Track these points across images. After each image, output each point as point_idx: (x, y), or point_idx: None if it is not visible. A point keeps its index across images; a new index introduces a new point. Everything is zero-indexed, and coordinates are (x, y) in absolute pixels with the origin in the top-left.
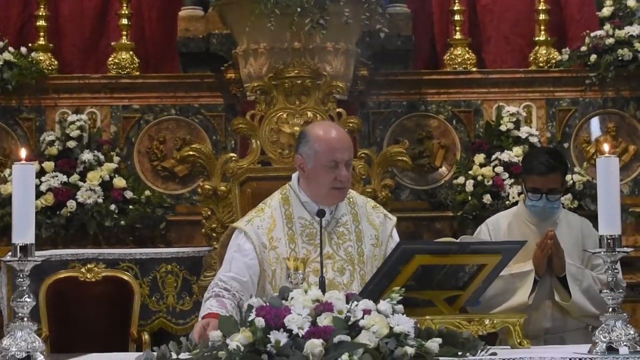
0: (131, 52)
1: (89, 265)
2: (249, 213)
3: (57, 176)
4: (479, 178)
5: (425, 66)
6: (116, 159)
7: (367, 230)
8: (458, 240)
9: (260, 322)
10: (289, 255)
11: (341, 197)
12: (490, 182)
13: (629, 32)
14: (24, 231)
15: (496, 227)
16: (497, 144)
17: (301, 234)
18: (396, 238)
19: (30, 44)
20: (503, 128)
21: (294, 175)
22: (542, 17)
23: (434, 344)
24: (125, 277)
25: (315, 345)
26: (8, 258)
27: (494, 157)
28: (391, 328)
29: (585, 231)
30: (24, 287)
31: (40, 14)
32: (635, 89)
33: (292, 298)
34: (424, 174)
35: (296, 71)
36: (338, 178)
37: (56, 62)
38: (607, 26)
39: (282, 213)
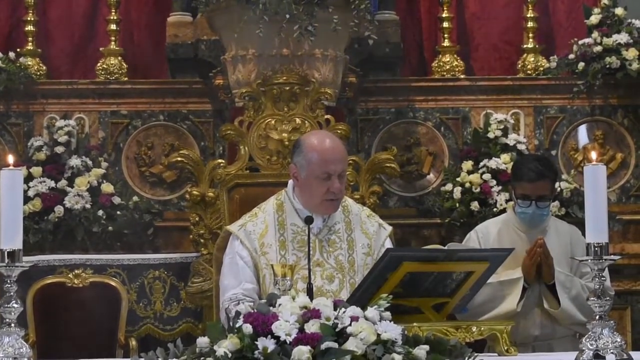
0: (119, 58)
1: (76, 271)
2: (243, 217)
3: (44, 181)
4: (467, 185)
5: (414, 73)
6: (104, 164)
7: (360, 239)
8: (446, 248)
9: (247, 328)
10: (278, 262)
11: (334, 208)
12: (478, 189)
13: (616, 40)
14: (11, 236)
15: (485, 235)
16: (485, 151)
17: (292, 240)
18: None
19: (18, 49)
20: (491, 135)
21: (290, 182)
22: (530, 24)
23: (421, 351)
24: (113, 283)
25: (302, 352)
26: None
27: (481, 164)
28: (379, 335)
29: (575, 239)
30: (12, 293)
31: (29, 19)
32: (623, 97)
33: (279, 305)
34: (411, 180)
35: (284, 78)
36: (330, 190)
37: (44, 68)
38: (595, 34)
39: (275, 219)
